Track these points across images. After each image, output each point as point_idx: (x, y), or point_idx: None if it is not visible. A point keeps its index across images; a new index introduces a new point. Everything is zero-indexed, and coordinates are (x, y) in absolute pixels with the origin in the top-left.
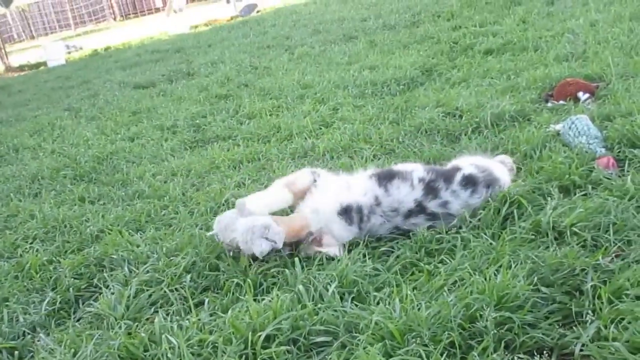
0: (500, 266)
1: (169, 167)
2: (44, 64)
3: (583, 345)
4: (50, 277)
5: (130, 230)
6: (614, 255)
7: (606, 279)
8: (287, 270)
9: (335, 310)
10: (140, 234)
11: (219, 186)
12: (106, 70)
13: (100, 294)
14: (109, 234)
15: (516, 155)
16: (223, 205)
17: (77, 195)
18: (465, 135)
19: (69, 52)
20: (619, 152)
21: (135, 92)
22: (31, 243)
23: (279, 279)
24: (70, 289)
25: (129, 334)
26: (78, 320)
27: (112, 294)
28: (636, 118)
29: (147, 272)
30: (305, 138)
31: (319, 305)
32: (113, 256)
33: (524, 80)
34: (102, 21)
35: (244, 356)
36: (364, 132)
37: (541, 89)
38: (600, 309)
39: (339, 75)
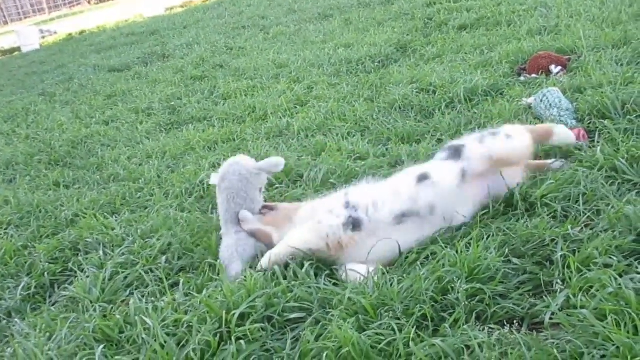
0: (472, 239)
1: (144, 149)
2: (18, 49)
3: (552, 314)
4: (25, 263)
5: (105, 214)
6: (583, 225)
7: (575, 248)
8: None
9: (309, 287)
10: (116, 217)
11: (194, 167)
12: (81, 54)
13: (76, 277)
14: (84, 217)
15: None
16: (198, 186)
17: (52, 180)
18: (439, 110)
19: (44, 37)
20: (590, 123)
21: (110, 75)
22: (6, 229)
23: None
24: (46, 273)
25: (104, 316)
26: (53, 305)
27: (88, 277)
28: (606, 90)
29: (122, 254)
30: (280, 117)
31: (293, 283)
32: (88, 240)
33: (497, 55)
34: (77, 5)
35: (218, 335)
36: (338, 110)
37: (514, 63)
38: (570, 278)
39: (314, 54)
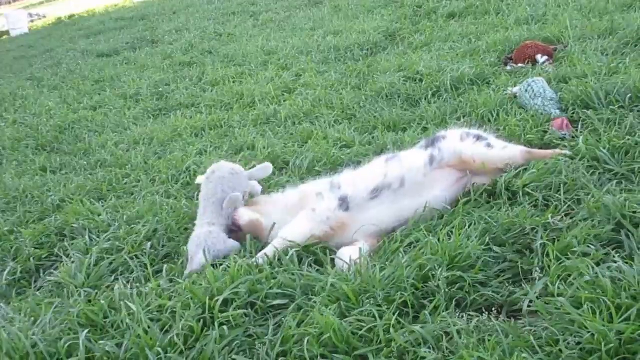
0: (454, 227)
1: (132, 135)
2: (7, 33)
3: (531, 301)
4: (11, 248)
5: (91, 200)
6: (563, 214)
7: (555, 237)
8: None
9: (293, 274)
10: (102, 203)
11: (181, 154)
12: (70, 39)
13: (61, 263)
14: (71, 203)
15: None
16: (184, 172)
17: (39, 165)
18: (425, 99)
19: (32, 21)
20: (573, 113)
21: (98, 60)
22: None
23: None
24: (31, 258)
25: (89, 301)
26: (39, 289)
27: (73, 262)
28: (590, 80)
29: (108, 240)
30: (268, 105)
31: (277, 269)
32: (74, 225)
33: (484, 44)
34: None
35: (202, 320)
36: (326, 97)
37: (501, 52)
38: (549, 267)
39: (303, 41)
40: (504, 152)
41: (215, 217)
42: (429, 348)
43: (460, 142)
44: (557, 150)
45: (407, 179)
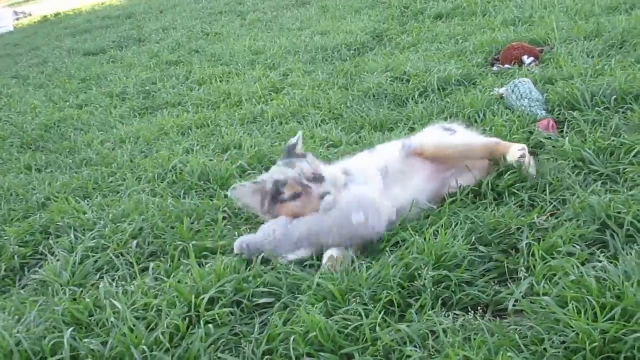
0: (440, 227)
1: (118, 134)
2: None
3: (516, 301)
4: None
5: (77, 198)
6: (549, 214)
7: (541, 237)
8: (236, 234)
9: (279, 273)
10: (87, 201)
11: (168, 153)
12: (56, 37)
13: (46, 261)
14: (56, 201)
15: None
16: (170, 171)
17: (24, 163)
18: (413, 99)
19: (18, 19)
20: (559, 114)
21: (85, 59)
22: None
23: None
24: (16, 256)
25: (74, 299)
26: (23, 288)
27: (58, 261)
28: (576, 81)
29: (93, 238)
30: (255, 104)
31: (263, 268)
32: (59, 223)
33: (471, 45)
34: None
35: (187, 319)
36: (313, 97)
37: (488, 53)
38: (534, 266)
39: (291, 41)
40: (459, 138)
41: None
42: (415, 347)
43: (430, 131)
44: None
45: (390, 168)
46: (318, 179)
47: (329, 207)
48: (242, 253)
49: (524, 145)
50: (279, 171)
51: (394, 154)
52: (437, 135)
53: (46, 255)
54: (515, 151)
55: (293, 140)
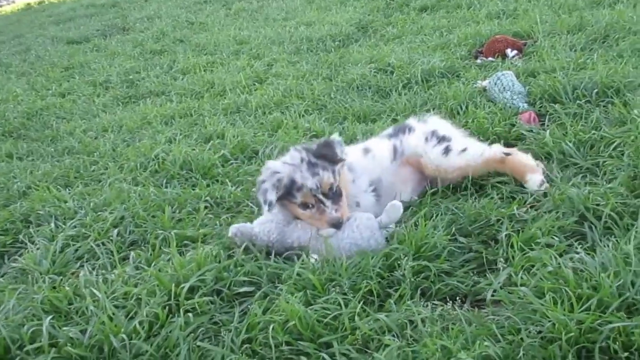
0: (421, 217)
1: (100, 123)
2: None
3: (494, 291)
4: None
5: (58, 186)
6: (528, 206)
7: (520, 228)
8: (217, 223)
9: (260, 262)
10: (69, 190)
11: (150, 142)
12: (39, 25)
13: (26, 249)
14: (37, 190)
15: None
16: (153, 160)
17: (5, 151)
18: (396, 91)
19: (1, 6)
20: (541, 107)
21: (68, 47)
22: None
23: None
24: None
25: (54, 287)
26: (2, 276)
27: (38, 249)
28: (558, 75)
29: (74, 227)
30: (239, 94)
31: (244, 257)
32: (40, 212)
33: (455, 37)
34: None
35: (167, 307)
36: (297, 88)
37: (471, 46)
38: (513, 257)
39: (275, 31)
40: (458, 159)
41: None
42: (393, 336)
43: (424, 142)
44: (537, 176)
45: (383, 180)
46: (334, 196)
47: (328, 235)
48: (235, 237)
49: (543, 178)
50: (299, 170)
51: (386, 162)
52: (431, 152)
53: (26, 244)
54: (536, 183)
55: (335, 138)
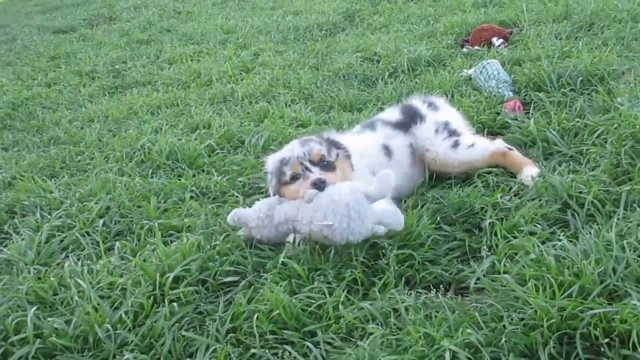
0: (407, 207)
1: (86, 113)
2: None
3: (478, 279)
4: None
5: (43, 177)
6: (512, 194)
7: (503, 216)
8: (202, 216)
9: (244, 252)
10: (54, 180)
11: (136, 132)
12: (25, 15)
13: (11, 240)
14: (22, 180)
15: None
16: (139, 150)
17: None
18: (382, 79)
19: None
20: (526, 95)
21: (54, 37)
22: None
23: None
24: None
25: (39, 278)
26: None
27: (23, 239)
28: (543, 63)
29: (60, 217)
30: (225, 83)
31: (228, 246)
32: (25, 202)
33: (442, 26)
34: None
35: (152, 297)
36: (283, 77)
37: (458, 35)
38: (496, 245)
39: (263, 21)
40: (466, 153)
41: None
42: (377, 324)
43: (434, 134)
44: (533, 168)
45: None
46: (325, 167)
47: (308, 200)
48: (232, 222)
49: (539, 171)
50: (291, 148)
51: (406, 167)
52: (440, 145)
53: (11, 234)
54: (529, 176)
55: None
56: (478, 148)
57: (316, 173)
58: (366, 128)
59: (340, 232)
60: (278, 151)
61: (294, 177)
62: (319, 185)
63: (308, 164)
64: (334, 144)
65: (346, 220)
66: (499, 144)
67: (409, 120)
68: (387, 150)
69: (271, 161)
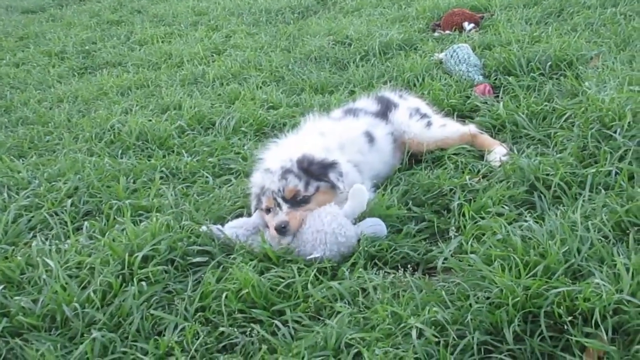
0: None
1: (55, 93)
2: None
3: (445, 259)
4: None
5: (11, 157)
6: (480, 176)
7: (472, 198)
8: (169, 197)
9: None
10: (22, 160)
11: (106, 112)
12: None
13: None
14: None
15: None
16: (108, 131)
17: None
18: (354, 63)
19: None
20: (496, 79)
21: (23, 17)
22: None
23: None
24: None
25: (6, 257)
26: None
27: None
28: (513, 47)
29: (27, 197)
30: (196, 65)
31: (197, 227)
32: None
33: (414, 10)
34: None
35: (121, 277)
36: (255, 59)
37: (429, 19)
38: (464, 226)
39: (235, 3)
40: (439, 131)
41: None
42: (346, 303)
43: (408, 118)
44: (502, 148)
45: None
46: (299, 202)
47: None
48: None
49: (508, 151)
50: (270, 177)
51: (387, 155)
52: (415, 126)
53: None
54: (499, 156)
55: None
56: (450, 127)
57: (284, 211)
58: (348, 114)
59: (331, 256)
60: (271, 151)
61: (268, 209)
62: (281, 231)
63: (280, 200)
64: (318, 176)
65: (335, 247)
66: (470, 126)
67: (385, 109)
68: (370, 137)
69: (256, 179)
